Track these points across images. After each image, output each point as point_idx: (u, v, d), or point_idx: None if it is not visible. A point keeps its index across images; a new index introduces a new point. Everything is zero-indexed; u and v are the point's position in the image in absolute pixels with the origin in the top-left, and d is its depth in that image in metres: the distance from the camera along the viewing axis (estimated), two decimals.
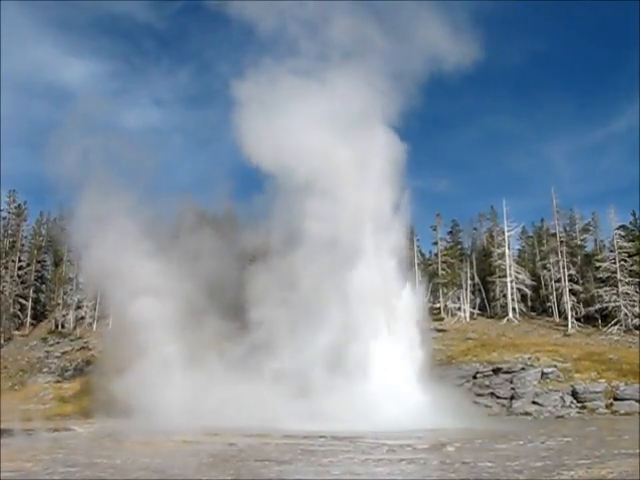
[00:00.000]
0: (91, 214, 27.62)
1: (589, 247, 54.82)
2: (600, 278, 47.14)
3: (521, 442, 15.20)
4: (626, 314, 43.74)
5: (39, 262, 56.08)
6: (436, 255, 54.22)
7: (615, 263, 46.30)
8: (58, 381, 37.56)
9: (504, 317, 47.67)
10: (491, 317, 49.99)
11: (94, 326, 47.87)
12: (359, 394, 23.07)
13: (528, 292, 50.21)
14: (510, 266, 49.70)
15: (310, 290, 26.80)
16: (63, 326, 50.14)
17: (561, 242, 49.65)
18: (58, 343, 46.28)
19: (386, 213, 28.97)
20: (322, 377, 24.49)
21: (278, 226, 29.47)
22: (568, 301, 45.76)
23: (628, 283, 45.45)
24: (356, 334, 26.17)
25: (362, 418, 20.40)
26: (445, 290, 51.32)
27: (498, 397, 29.39)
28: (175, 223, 33.99)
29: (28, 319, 51.38)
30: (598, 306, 45.68)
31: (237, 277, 28.25)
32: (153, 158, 31.27)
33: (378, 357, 25.62)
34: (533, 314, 50.57)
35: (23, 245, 55.46)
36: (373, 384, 24.19)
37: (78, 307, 50.47)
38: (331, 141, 27.78)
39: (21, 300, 51.84)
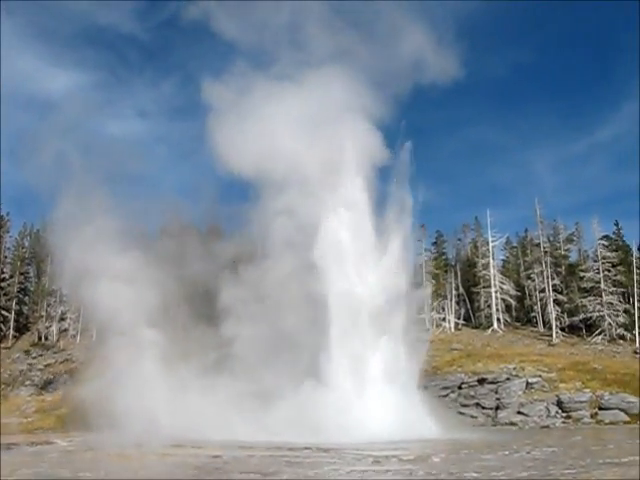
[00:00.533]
0: (68, 214, 27.12)
1: (573, 257, 55.31)
2: (584, 288, 47.46)
3: (507, 452, 15.18)
4: (610, 324, 43.99)
5: (22, 274, 55.75)
6: (420, 266, 54.32)
7: (599, 273, 46.63)
8: (41, 394, 37.26)
9: (489, 327, 47.82)
10: (476, 327, 50.13)
11: (78, 338, 47.56)
12: (332, 406, 22.42)
13: (512, 302, 50.46)
14: (494, 276, 49.94)
15: (278, 302, 25.15)
16: (46, 338, 49.86)
17: (545, 252, 49.94)
18: (41, 355, 45.99)
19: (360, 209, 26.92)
20: (292, 393, 23.20)
21: (253, 233, 28.83)
22: (552, 311, 45.96)
23: (612, 293, 45.77)
24: (330, 347, 24.52)
25: (341, 430, 20.19)
26: (430, 301, 51.35)
27: (483, 407, 29.40)
28: (156, 227, 33.60)
29: (11, 331, 51.01)
30: (582, 316, 45.95)
31: (214, 284, 27.81)
32: (134, 162, 30.88)
33: (357, 369, 24.21)
34: (518, 324, 50.79)
35: (6, 257, 55.13)
36: (346, 396, 23.04)
37: (61, 319, 50.21)
38: (302, 141, 26.90)
39: (4, 312, 51.46)
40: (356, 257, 26.14)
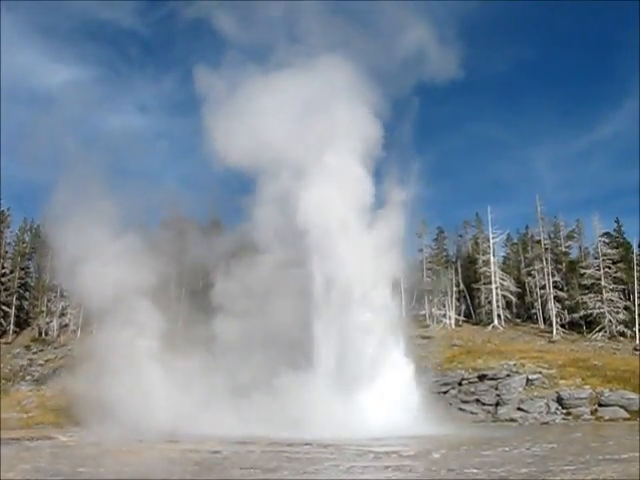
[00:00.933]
0: (64, 203, 26.92)
1: (573, 254, 55.18)
2: (584, 285, 47.43)
3: (507, 448, 15.18)
4: (610, 321, 43.99)
5: (22, 269, 55.69)
6: (421, 262, 54.26)
7: (599, 270, 46.60)
8: (41, 389, 37.26)
9: (489, 324, 47.78)
10: (476, 324, 50.09)
11: (78, 333, 47.51)
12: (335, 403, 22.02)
13: (513, 299, 50.42)
14: (495, 273, 49.89)
15: (267, 295, 24.64)
16: (47, 334, 49.84)
17: (546, 249, 49.91)
18: (42, 351, 45.98)
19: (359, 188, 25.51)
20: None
21: (249, 226, 27.98)
22: (553, 308, 45.95)
23: (612, 290, 45.76)
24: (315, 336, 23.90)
25: (344, 427, 20.05)
26: (430, 297, 51.36)
27: (483, 404, 29.39)
28: (153, 216, 33.44)
29: (11, 327, 50.98)
30: (583, 313, 45.94)
31: (211, 278, 27.63)
32: (130, 152, 30.85)
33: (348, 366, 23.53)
34: (518, 321, 50.75)
35: (7, 252, 55.04)
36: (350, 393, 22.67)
37: (62, 314, 50.19)
38: (293, 125, 25.99)
39: (4, 307, 51.42)
40: (344, 229, 24.83)
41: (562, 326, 45.76)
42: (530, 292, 52.24)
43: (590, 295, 46.13)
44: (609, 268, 46.73)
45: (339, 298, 24.22)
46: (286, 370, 23.28)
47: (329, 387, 22.70)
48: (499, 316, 48.13)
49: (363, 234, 25.16)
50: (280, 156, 26.03)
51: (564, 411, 27.57)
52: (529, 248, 54.92)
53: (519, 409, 28.17)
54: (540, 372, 30.84)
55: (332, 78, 26.65)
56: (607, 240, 49.03)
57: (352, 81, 26.81)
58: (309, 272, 24.72)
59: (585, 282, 47.37)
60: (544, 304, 48.40)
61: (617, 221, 52.30)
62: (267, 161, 26.38)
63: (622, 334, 43.56)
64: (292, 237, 25.45)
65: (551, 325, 45.46)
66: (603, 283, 45.85)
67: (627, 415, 26.31)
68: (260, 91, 27.03)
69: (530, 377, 30.26)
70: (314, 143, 25.80)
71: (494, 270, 50.00)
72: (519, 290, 51.46)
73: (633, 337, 42.82)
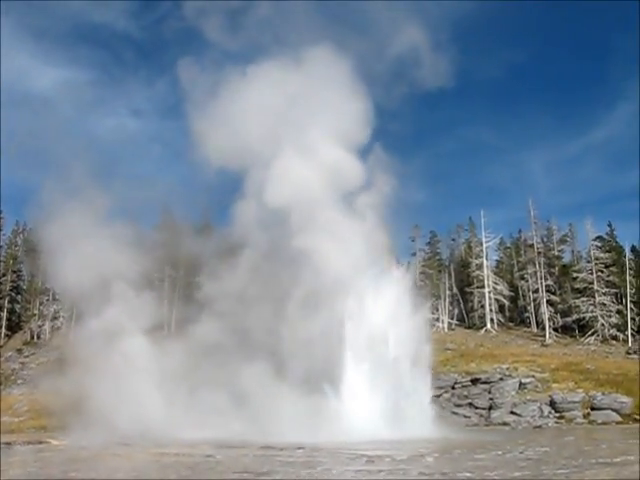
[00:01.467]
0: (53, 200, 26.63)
1: (566, 258, 55.52)
2: (577, 289, 47.61)
3: (500, 452, 15.14)
4: (603, 324, 44.13)
5: (15, 272, 55.50)
6: (414, 266, 54.28)
7: (592, 274, 46.76)
8: (33, 393, 37.11)
9: (482, 328, 47.88)
10: (469, 328, 50.19)
11: (70, 337, 47.37)
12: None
13: (506, 303, 50.57)
14: (488, 277, 49.99)
15: (246, 297, 23.92)
16: (39, 337, 49.67)
17: (538, 253, 50.07)
18: (34, 354, 45.81)
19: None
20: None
21: (237, 225, 26.99)
22: (546, 311, 46.08)
23: (605, 294, 45.93)
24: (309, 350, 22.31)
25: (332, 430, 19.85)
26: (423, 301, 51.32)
27: (476, 407, 29.42)
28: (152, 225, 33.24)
29: (3, 330, 50.84)
30: (575, 316, 46.11)
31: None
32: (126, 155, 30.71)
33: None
34: (511, 324, 50.89)
35: None
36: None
37: (54, 318, 50.06)
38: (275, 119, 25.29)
39: None
40: (326, 214, 23.85)
41: (555, 330, 45.91)
42: (523, 296, 52.42)
43: (583, 299, 46.31)
44: (602, 272, 46.90)
45: (325, 288, 22.98)
46: (260, 373, 22.83)
47: (300, 390, 21.93)
48: (492, 320, 48.24)
49: (346, 219, 24.40)
50: (263, 148, 25.53)
51: (557, 415, 27.63)
52: (522, 252, 55.10)
53: (512, 413, 28.20)
54: (533, 376, 30.91)
55: (319, 71, 25.97)
56: (600, 244, 49.23)
57: (340, 75, 26.23)
58: (290, 269, 23.88)
59: (578, 286, 47.55)
60: (537, 308, 48.54)
61: (610, 225, 52.68)
62: (251, 154, 25.90)
63: (614, 337, 43.74)
64: (273, 228, 25.01)
65: (544, 329, 45.59)
66: (596, 287, 45.99)
67: (619, 418, 26.40)
68: (242, 84, 26.66)
69: (523, 381, 30.33)
70: (301, 131, 25.21)
71: (487, 274, 50.11)
72: (512, 294, 51.64)
73: (625, 341, 43.00)
